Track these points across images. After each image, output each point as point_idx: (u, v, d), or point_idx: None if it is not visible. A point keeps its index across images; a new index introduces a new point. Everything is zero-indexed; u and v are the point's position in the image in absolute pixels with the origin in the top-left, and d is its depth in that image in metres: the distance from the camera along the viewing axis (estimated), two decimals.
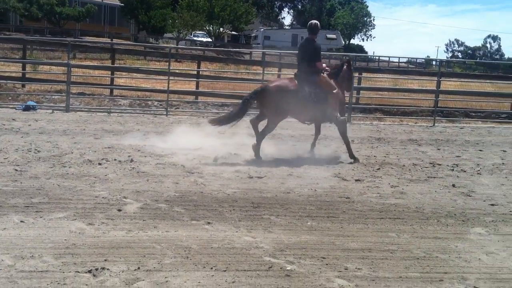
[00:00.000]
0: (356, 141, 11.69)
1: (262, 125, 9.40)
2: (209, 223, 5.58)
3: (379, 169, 8.73)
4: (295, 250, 4.89)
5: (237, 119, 9.20)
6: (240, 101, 9.77)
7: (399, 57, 54.25)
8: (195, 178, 7.53)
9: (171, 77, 16.42)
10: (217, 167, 8.35)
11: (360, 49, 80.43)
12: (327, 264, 4.58)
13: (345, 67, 10.05)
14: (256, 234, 5.28)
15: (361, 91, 18.01)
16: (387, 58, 52.93)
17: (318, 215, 6.02)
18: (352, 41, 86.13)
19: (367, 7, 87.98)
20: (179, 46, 39.64)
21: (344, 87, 9.98)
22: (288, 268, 4.46)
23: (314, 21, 9.86)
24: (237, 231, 5.35)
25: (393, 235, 5.46)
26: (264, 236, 5.25)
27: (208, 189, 6.93)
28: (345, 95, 10.61)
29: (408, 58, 58.97)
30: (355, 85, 16.95)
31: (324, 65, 9.72)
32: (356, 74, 17.37)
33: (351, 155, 9.31)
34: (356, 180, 7.83)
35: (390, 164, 9.21)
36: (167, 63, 16.83)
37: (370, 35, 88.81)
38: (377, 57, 52.62)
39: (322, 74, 9.49)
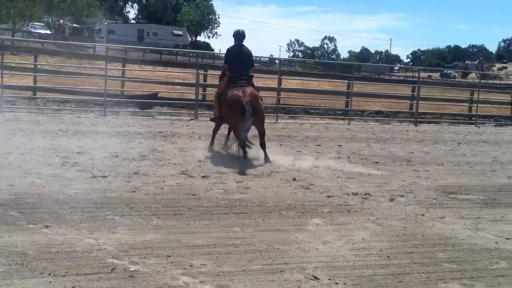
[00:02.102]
0: (202, 138, 11.81)
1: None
2: (47, 226, 5.29)
3: (224, 165, 8.89)
4: (140, 250, 4.81)
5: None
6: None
7: None
8: (33, 179, 7.09)
9: (5, 71, 15.29)
10: (57, 167, 7.94)
11: (207, 46, 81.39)
12: (172, 262, 4.57)
13: None
14: (99, 236, 5.11)
15: (207, 88, 18.20)
16: None
17: (164, 213, 5.98)
18: (198, 38, 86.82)
19: (212, 5, 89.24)
20: (14, 38, 36.98)
21: None
22: (132, 269, 4.37)
23: (242, 29, 10.28)
24: (78, 234, 5.14)
25: (237, 230, 5.59)
26: (107, 237, 5.10)
27: (47, 191, 6.57)
28: None
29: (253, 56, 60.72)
30: (202, 82, 17.13)
31: None
32: (202, 71, 17.56)
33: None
34: (202, 177, 7.91)
35: (235, 159, 9.42)
36: (0, 56, 15.60)
37: (216, 32, 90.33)
38: (223, 55, 53.61)
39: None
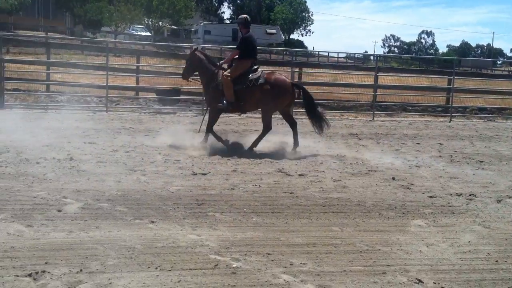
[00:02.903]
0: (298, 136, 11.79)
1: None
2: (153, 221, 5.50)
3: (321, 163, 8.85)
4: (241, 247, 4.89)
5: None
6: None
7: (338, 52, 55.15)
8: (138, 176, 7.41)
9: (110, 72, 16.07)
10: (160, 164, 8.25)
11: (300, 44, 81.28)
12: (272, 260, 4.61)
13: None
14: (201, 232, 5.25)
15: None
16: (326, 53, 53.70)
17: (263, 211, 6.04)
18: (292, 36, 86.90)
19: (305, 2, 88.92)
20: (117, 40, 38.86)
21: None
22: (234, 266, 4.45)
23: (247, 16, 10.27)
24: (181, 229, 5.31)
25: (336, 229, 5.55)
26: (209, 233, 5.23)
27: (151, 187, 6.84)
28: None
29: (347, 53, 59.85)
30: (297, 80, 17.13)
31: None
32: (297, 69, 17.56)
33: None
34: (299, 175, 7.91)
35: (332, 158, 9.35)
36: (105, 58, 16.44)
37: (309, 30, 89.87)
38: (317, 52, 53.31)
39: None
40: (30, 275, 4.07)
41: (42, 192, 6.31)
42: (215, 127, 10.12)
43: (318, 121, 10.01)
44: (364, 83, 19.79)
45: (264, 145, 9.89)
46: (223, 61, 10.26)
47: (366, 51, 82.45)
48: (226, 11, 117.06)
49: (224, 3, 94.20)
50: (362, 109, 17.98)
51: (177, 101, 16.88)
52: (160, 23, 54.89)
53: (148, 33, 51.46)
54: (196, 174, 7.70)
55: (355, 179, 7.82)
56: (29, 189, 6.46)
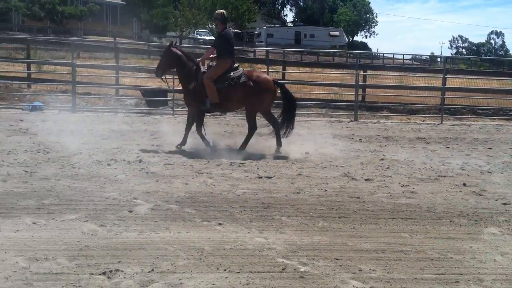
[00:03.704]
0: (363, 140, 11.68)
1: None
2: (220, 224, 5.57)
3: (388, 168, 8.70)
4: (308, 251, 4.88)
5: None
6: None
7: (403, 54, 54.11)
8: (205, 179, 7.52)
9: (176, 77, 16.34)
10: (225, 167, 8.34)
11: (364, 46, 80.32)
12: (341, 266, 4.57)
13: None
14: (268, 235, 5.27)
15: (366, 89, 17.97)
16: (391, 55, 52.82)
17: (330, 216, 6.00)
18: (355, 38, 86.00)
19: (369, 3, 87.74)
20: (182, 44, 39.59)
21: None
22: (301, 270, 4.44)
23: (223, 11, 9.99)
24: (249, 232, 5.34)
25: (406, 236, 5.44)
26: (276, 237, 5.24)
27: (218, 190, 6.92)
28: None
29: (413, 55, 58.59)
30: (361, 82, 16.93)
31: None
32: (361, 72, 17.35)
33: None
34: (366, 180, 7.81)
35: (399, 163, 9.18)
36: None
37: (373, 32, 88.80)
38: (381, 54, 52.53)
39: None
40: (104, 273, 4.21)
41: (113, 193, 6.51)
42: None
43: (289, 124, 9.84)
44: (432, 85, 19.33)
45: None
46: (200, 59, 10.02)
47: (432, 53, 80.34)
48: (289, 14, 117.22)
49: (286, 6, 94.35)
50: (429, 112, 17.54)
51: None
52: None
53: (212, 37, 52.11)
54: (261, 178, 7.74)
55: (424, 185, 7.63)
56: (101, 190, 6.67)
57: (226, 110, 10.32)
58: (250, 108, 9.77)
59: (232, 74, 9.53)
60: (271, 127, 9.99)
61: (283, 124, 9.83)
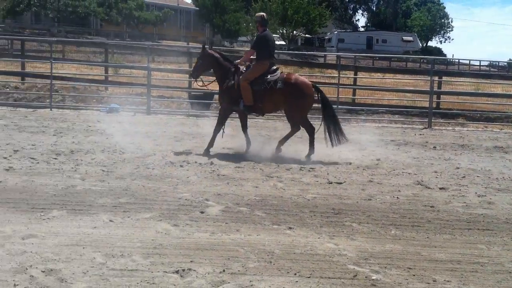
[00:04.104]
0: (437, 148, 11.37)
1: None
2: (290, 228, 5.57)
3: (464, 177, 8.42)
4: (380, 259, 4.79)
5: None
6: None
7: (480, 60, 52.12)
8: (275, 182, 7.54)
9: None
10: (295, 171, 8.34)
11: (439, 51, 78.08)
12: (414, 275, 4.46)
13: None
14: (339, 241, 5.22)
15: (441, 96, 17.49)
16: (467, 61, 51.08)
17: (402, 224, 5.88)
18: (429, 43, 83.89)
19: (444, 8, 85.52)
20: None
21: None
22: (373, 278, 4.37)
23: (264, 13, 9.94)
24: (319, 237, 5.31)
25: (482, 247, 5.25)
26: (347, 243, 5.18)
27: (288, 194, 6.93)
28: None
29: (490, 61, 56.36)
30: (436, 89, 16.50)
31: None
32: (436, 78, 16.89)
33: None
34: (440, 188, 7.59)
35: (475, 172, 8.87)
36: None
37: (449, 37, 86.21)
38: (457, 60, 50.92)
39: None
40: (177, 272, 4.30)
41: (186, 194, 6.64)
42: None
43: (335, 129, 9.48)
44: (510, 93, 18.57)
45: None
46: (238, 60, 9.92)
47: (510, 59, 76.94)
48: (361, 19, 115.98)
49: (358, 11, 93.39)
50: (508, 120, 16.84)
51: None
52: (294, 32, 55.57)
53: (282, 42, 52.30)
54: (331, 183, 7.68)
55: (502, 195, 7.33)
56: (174, 190, 6.83)
57: (262, 113, 10.14)
58: (292, 114, 9.57)
59: (269, 77, 9.39)
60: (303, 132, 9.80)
61: (329, 130, 9.51)
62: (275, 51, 9.96)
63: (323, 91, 9.74)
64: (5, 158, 8.20)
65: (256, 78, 9.39)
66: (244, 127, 9.89)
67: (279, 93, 9.33)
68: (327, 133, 9.50)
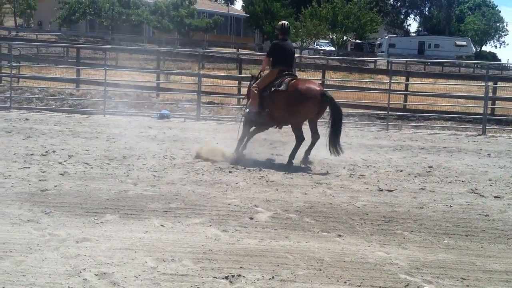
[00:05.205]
0: (492, 155, 11.05)
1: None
2: (340, 235, 5.52)
3: None
4: (432, 268, 4.69)
5: None
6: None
7: None
8: (324, 189, 7.49)
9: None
10: (345, 178, 8.27)
11: (493, 56, 76.11)
12: (467, 286, 4.35)
13: None
14: (390, 250, 5.14)
15: (496, 102, 17.01)
16: None
17: (455, 233, 5.73)
18: (483, 48, 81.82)
19: (499, 12, 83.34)
20: (302, 55, 39.89)
21: None
22: (426, 287, 4.28)
23: (287, 22, 9.97)
24: (369, 246, 5.24)
25: None
26: (398, 252, 5.09)
27: (337, 201, 6.87)
28: None
29: None
30: (491, 94, 16.06)
31: None
32: (491, 83, 16.44)
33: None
34: (495, 197, 7.37)
35: None
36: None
37: (504, 41, 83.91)
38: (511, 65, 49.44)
39: None
40: (226, 277, 4.32)
41: (235, 200, 6.68)
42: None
43: (334, 139, 9.03)
44: None
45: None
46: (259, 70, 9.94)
47: None
48: (413, 24, 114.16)
49: (410, 15, 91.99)
50: None
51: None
52: (345, 37, 55.18)
53: (332, 48, 52.00)
54: (382, 190, 7.57)
55: None
56: (223, 196, 6.88)
57: (275, 122, 9.70)
58: (289, 117, 9.30)
59: (276, 81, 9.28)
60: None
61: (330, 139, 9.08)
62: (292, 59, 9.68)
63: (334, 100, 9.28)
64: (60, 163, 8.45)
65: (266, 85, 9.36)
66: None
67: (282, 95, 9.10)
68: (330, 141, 9.10)
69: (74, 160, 8.74)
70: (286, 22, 9.97)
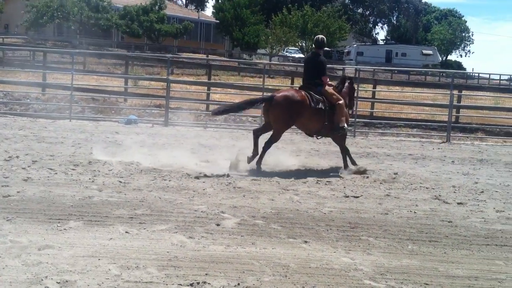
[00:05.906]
0: (456, 162, 11.27)
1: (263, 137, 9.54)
2: (306, 242, 5.54)
3: (482, 192, 8.32)
4: (396, 274, 4.75)
5: (235, 112, 10.31)
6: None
7: (500, 74, 51.52)
8: (291, 195, 7.52)
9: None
10: (312, 184, 8.31)
11: (458, 65, 77.63)
12: None
13: (347, 83, 10.27)
14: (355, 256, 5.18)
15: (460, 110, 17.36)
16: (487, 75, 50.57)
17: (419, 239, 5.82)
18: (449, 57, 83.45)
19: (465, 22, 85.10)
20: (272, 62, 40.05)
21: (345, 103, 9.89)
22: None
23: (321, 36, 10.09)
24: (335, 252, 5.28)
25: (500, 263, 5.18)
26: (363, 258, 5.14)
27: (304, 207, 6.90)
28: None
29: (510, 75, 55.76)
30: (455, 103, 16.39)
31: (327, 79, 9.86)
32: (456, 92, 16.77)
33: (345, 166, 9.57)
34: (458, 203, 7.51)
35: (494, 187, 8.76)
36: (261, 79, 16.99)
37: (469, 51, 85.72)
38: (477, 74, 50.46)
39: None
40: (191, 285, 4.29)
41: (202, 206, 6.64)
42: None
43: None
44: None
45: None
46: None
47: None
48: (380, 32, 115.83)
49: (378, 24, 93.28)
50: None
51: None
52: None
53: (301, 55, 52.29)
54: (348, 197, 7.63)
55: None
56: (190, 202, 6.84)
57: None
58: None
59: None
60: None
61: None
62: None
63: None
64: (23, 168, 8.28)
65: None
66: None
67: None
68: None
69: (38, 165, 8.57)
70: (320, 36, 10.08)
